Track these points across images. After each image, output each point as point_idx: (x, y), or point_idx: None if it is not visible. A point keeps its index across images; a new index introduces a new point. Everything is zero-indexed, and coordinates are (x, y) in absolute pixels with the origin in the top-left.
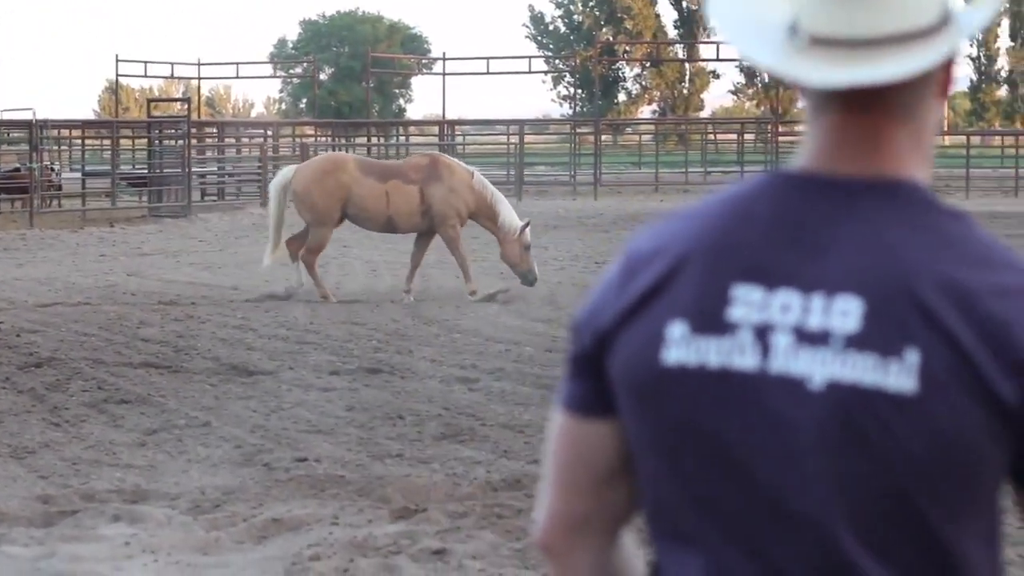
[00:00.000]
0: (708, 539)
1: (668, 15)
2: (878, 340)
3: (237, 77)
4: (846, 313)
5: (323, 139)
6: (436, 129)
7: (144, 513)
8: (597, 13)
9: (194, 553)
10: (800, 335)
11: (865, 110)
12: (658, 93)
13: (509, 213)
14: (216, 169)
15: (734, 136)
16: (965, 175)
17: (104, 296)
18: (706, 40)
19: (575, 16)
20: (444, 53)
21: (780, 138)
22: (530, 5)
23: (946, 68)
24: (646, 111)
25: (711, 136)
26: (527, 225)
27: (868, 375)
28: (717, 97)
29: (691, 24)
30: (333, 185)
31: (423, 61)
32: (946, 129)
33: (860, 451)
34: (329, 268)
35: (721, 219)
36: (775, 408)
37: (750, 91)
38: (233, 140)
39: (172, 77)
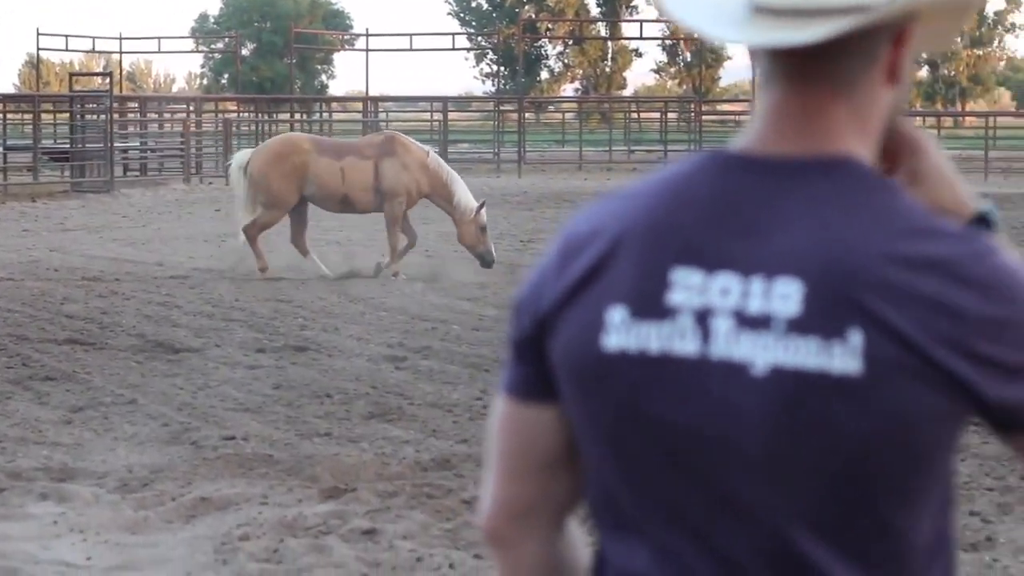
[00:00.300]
0: (654, 528)
1: None
2: (820, 323)
3: (159, 52)
4: (786, 296)
5: (246, 115)
6: (360, 106)
7: (72, 492)
8: None
9: (123, 532)
10: (741, 319)
11: (806, 82)
12: (580, 71)
13: (465, 194)
14: (139, 144)
15: (657, 115)
16: None
17: (27, 272)
18: (629, 18)
19: None
20: (367, 29)
21: (703, 117)
22: None
23: (893, 51)
24: (568, 89)
25: (634, 115)
26: (483, 206)
27: (811, 359)
28: (639, 75)
29: (613, 2)
30: (289, 168)
31: (346, 37)
32: None
33: (807, 437)
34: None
35: (659, 200)
36: (718, 394)
37: (672, 70)
38: (155, 115)
39: (94, 51)
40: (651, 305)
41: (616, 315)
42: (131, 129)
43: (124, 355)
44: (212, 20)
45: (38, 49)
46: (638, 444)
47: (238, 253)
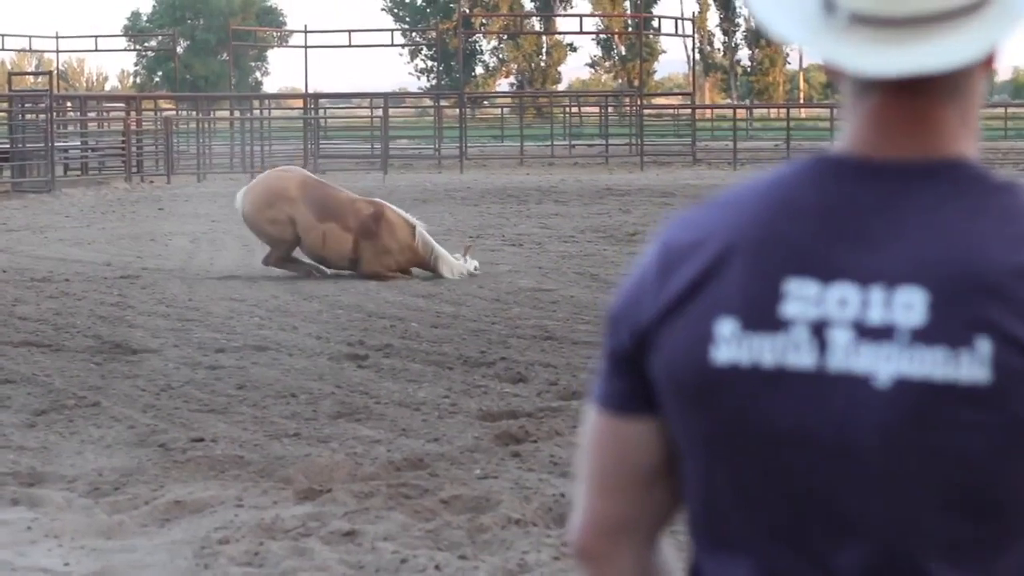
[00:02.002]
0: (759, 545)
1: None
2: (946, 332)
3: (96, 50)
4: (910, 306)
5: (183, 112)
6: (300, 103)
7: (43, 496)
8: None
9: (98, 537)
10: (860, 330)
11: (912, 91)
12: (515, 66)
13: (450, 269)
14: (79, 144)
15: (596, 109)
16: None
17: None
18: (563, 13)
19: None
20: (306, 26)
21: (644, 111)
22: None
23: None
24: (503, 84)
25: (573, 109)
26: (468, 249)
27: (939, 369)
28: (574, 69)
29: None
30: (277, 214)
31: (283, 34)
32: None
33: (932, 448)
34: (200, 244)
35: (764, 208)
36: (836, 407)
37: (607, 64)
38: (95, 114)
39: (30, 50)
40: (763, 317)
41: (726, 327)
42: (71, 128)
43: (82, 357)
44: (144, 18)
45: None
46: (747, 459)
47: (186, 252)
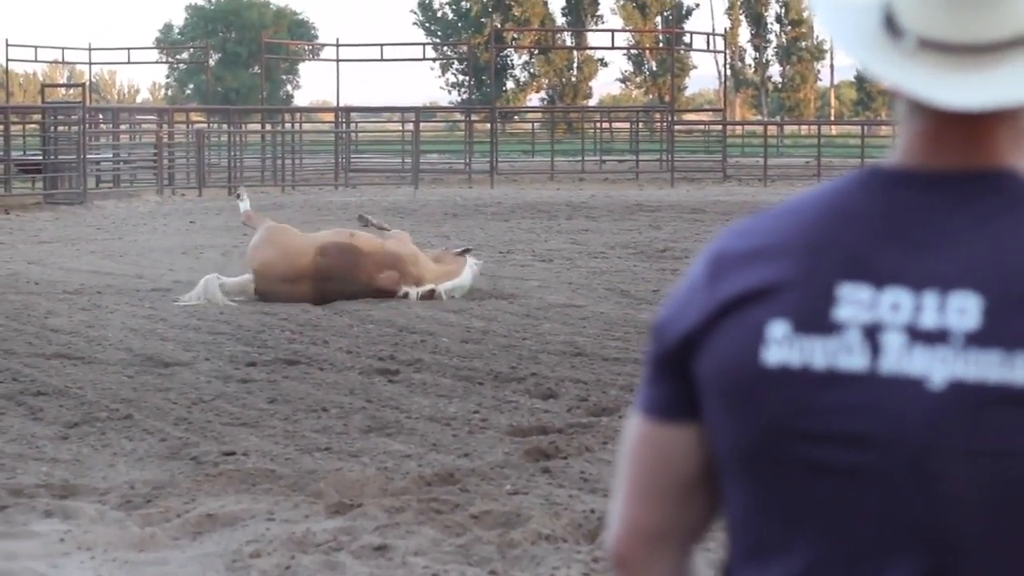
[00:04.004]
0: (801, 550)
1: (556, 2)
2: (1001, 335)
3: (128, 63)
4: (964, 310)
5: (215, 125)
6: (331, 117)
7: (75, 508)
8: (485, 0)
9: (130, 550)
10: (914, 334)
11: (970, 115)
12: (546, 81)
13: (459, 286)
14: (111, 156)
15: (626, 124)
16: (860, 165)
17: (7, 285)
18: (594, 28)
19: (463, 3)
20: (338, 39)
21: (675, 127)
22: None
23: None
24: (534, 99)
25: (603, 124)
26: (468, 252)
27: (994, 372)
28: (604, 85)
29: (579, 11)
30: (299, 291)
31: (314, 47)
32: (832, 119)
33: (987, 451)
34: (231, 257)
35: (818, 217)
36: (888, 410)
37: (638, 79)
38: (127, 126)
39: (63, 62)
40: (816, 320)
41: (778, 329)
42: (103, 140)
43: (114, 369)
44: (176, 30)
45: (7, 60)
46: (793, 462)
47: (217, 265)
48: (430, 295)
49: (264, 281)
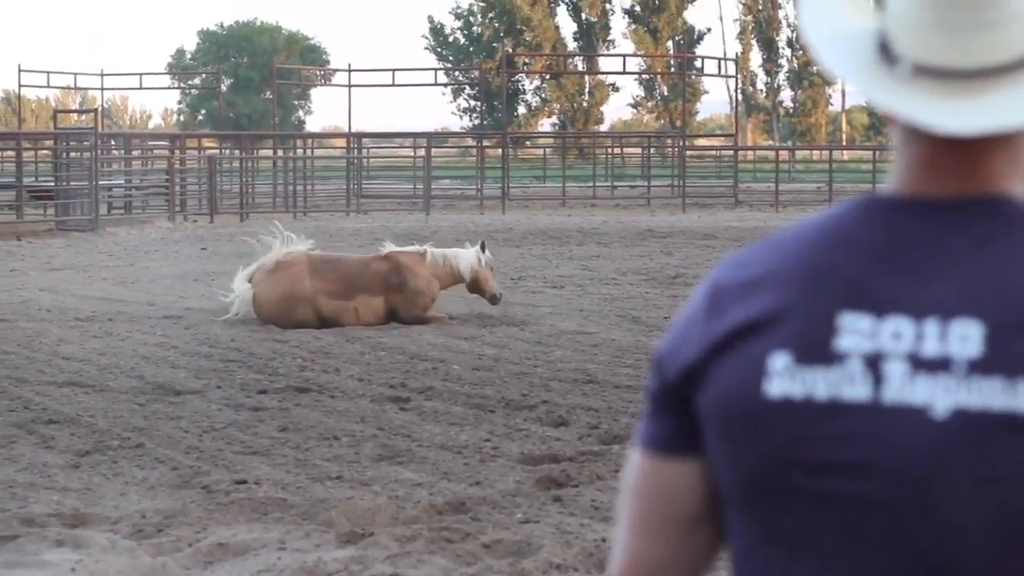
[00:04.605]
0: None
1: (567, 27)
2: (1003, 362)
3: (140, 88)
4: (966, 338)
5: (226, 151)
6: (343, 142)
7: (87, 538)
8: (496, 25)
9: None
10: (916, 363)
11: (965, 139)
12: (558, 106)
13: (466, 259)
14: (123, 182)
15: (638, 150)
16: (872, 190)
17: (19, 312)
18: (606, 53)
19: (475, 28)
20: (350, 65)
21: (686, 152)
22: (429, 16)
23: None
24: (545, 124)
25: (615, 150)
26: (483, 247)
27: (997, 399)
28: (616, 110)
29: (590, 36)
30: (303, 315)
31: (326, 72)
32: (844, 144)
33: (994, 480)
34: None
35: (816, 246)
36: (892, 439)
37: (649, 104)
38: (138, 152)
39: (75, 88)
40: (817, 350)
41: (779, 361)
42: (115, 166)
43: (125, 397)
44: (188, 56)
45: (19, 86)
46: (797, 492)
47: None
48: None
49: None
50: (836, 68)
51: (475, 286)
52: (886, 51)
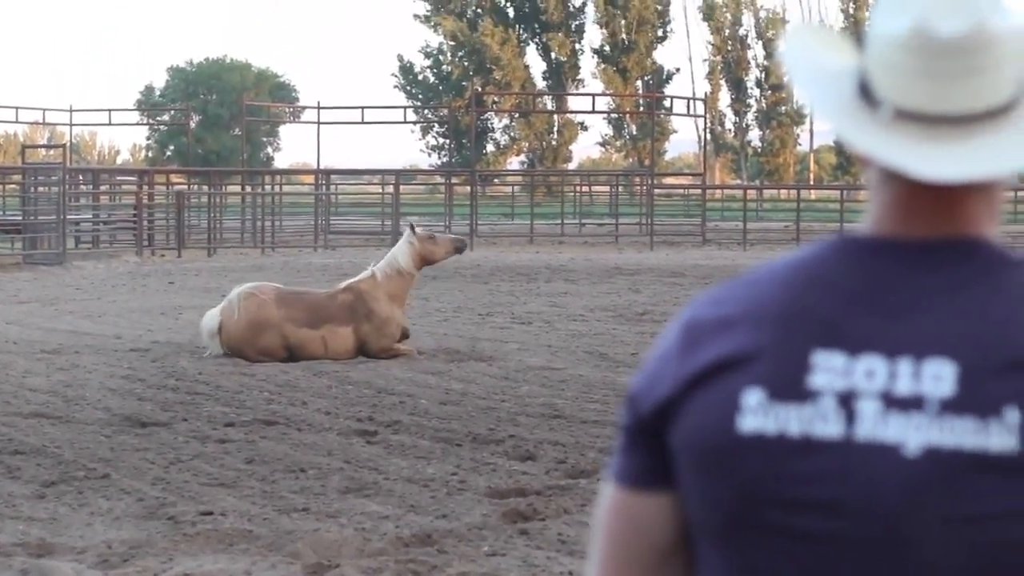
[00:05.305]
0: None
1: (537, 66)
2: (975, 402)
3: (109, 124)
4: (939, 378)
5: (195, 187)
6: (311, 179)
7: (52, 568)
8: (466, 63)
9: None
10: (889, 401)
11: (943, 184)
12: (526, 144)
13: (401, 254)
14: (91, 216)
15: (606, 188)
16: (840, 229)
17: None
18: (575, 92)
19: (444, 67)
20: (319, 102)
21: (654, 191)
22: (399, 55)
23: None
24: (514, 162)
25: (583, 188)
26: (411, 229)
27: (969, 438)
28: (584, 148)
29: (559, 75)
30: (269, 343)
31: (294, 110)
32: (812, 184)
33: (965, 518)
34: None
35: (790, 285)
36: (864, 476)
37: (618, 143)
38: (107, 187)
39: (44, 123)
40: (791, 388)
41: (752, 397)
42: (83, 201)
43: (92, 429)
44: (158, 92)
45: None
46: (769, 529)
47: (196, 326)
48: None
49: None
50: (817, 107)
51: (430, 262)
52: (866, 93)
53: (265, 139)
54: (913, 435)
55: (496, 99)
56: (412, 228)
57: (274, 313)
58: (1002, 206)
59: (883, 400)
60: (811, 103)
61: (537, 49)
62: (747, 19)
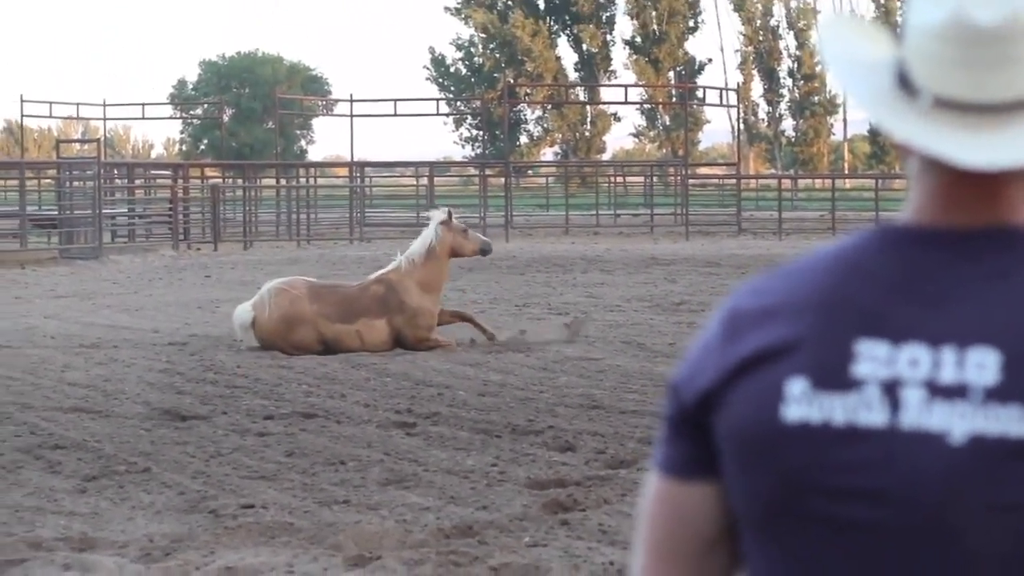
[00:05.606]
0: None
1: (568, 57)
2: (1020, 390)
3: (143, 118)
4: (983, 366)
5: (229, 180)
6: (345, 172)
7: (94, 562)
8: (497, 55)
9: None
10: (933, 389)
11: (983, 173)
12: (560, 135)
13: (423, 244)
14: (126, 210)
15: (640, 178)
16: (875, 219)
17: (24, 339)
18: (607, 83)
19: (476, 58)
20: (351, 95)
21: (689, 181)
22: (431, 47)
23: None
24: (548, 153)
25: (617, 179)
26: (448, 218)
27: (1014, 426)
28: (618, 139)
29: (591, 66)
30: (303, 338)
31: (328, 102)
32: (846, 173)
33: (1010, 506)
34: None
35: (832, 275)
36: (908, 464)
37: (651, 133)
38: (141, 181)
39: (77, 118)
40: (835, 377)
41: (796, 387)
42: (118, 195)
43: (132, 423)
44: (190, 86)
45: (22, 115)
46: (814, 518)
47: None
48: None
49: None
50: (856, 97)
51: (457, 254)
52: (905, 83)
53: (298, 132)
54: (958, 423)
55: (528, 91)
56: (450, 215)
57: (307, 308)
58: None
59: (927, 388)
60: (850, 94)
61: (568, 41)
62: (778, 9)
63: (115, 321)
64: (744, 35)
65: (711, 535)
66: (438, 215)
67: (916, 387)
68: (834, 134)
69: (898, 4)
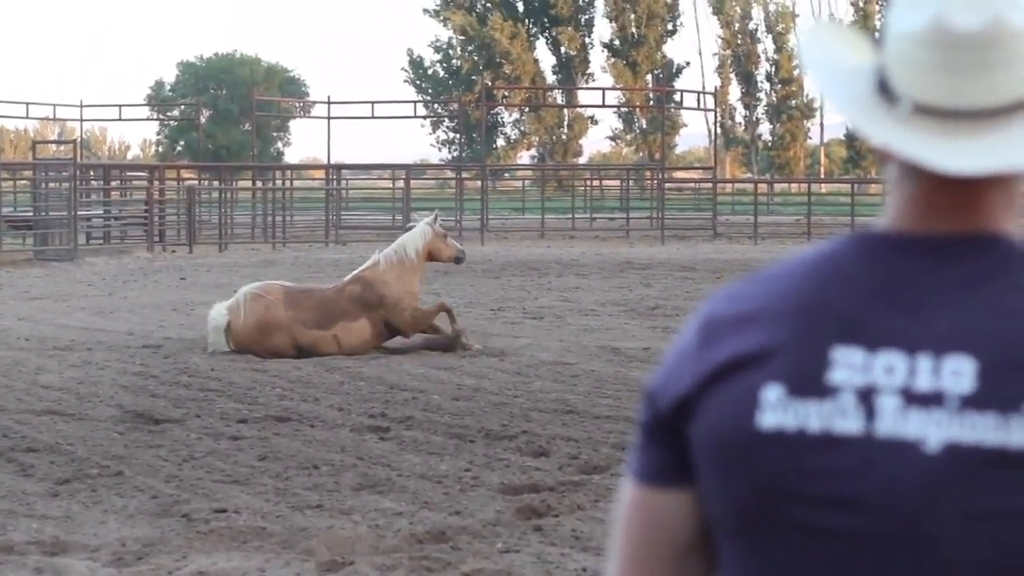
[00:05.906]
0: None
1: (546, 60)
2: (996, 398)
3: (119, 119)
4: (958, 373)
5: (205, 182)
6: (321, 174)
7: (66, 566)
8: (476, 58)
9: None
10: (908, 397)
11: (962, 178)
12: (537, 138)
13: (411, 242)
14: (102, 212)
15: (617, 182)
16: (851, 224)
17: None
18: (585, 86)
19: (454, 61)
20: (329, 97)
21: (665, 185)
22: (409, 49)
23: None
24: (524, 156)
25: (594, 182)
26: (436, 217)
27: (990, 434)
28: (595, 142)
29: (569, 69)
30: (279, 343)
31: (305, 104)
32: (822, 177)
33: (985, 514)
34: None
35: (809, 281)
36: (883, 472)
37: (628, 137)
38: (117, 183)
39: (54, 119)
40: (810, 384)
41: (772, 393)
42: (94, 197)
43: (105, 426)
44: (168, 87)
45: None
46: (789, 525)
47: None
48: None
49: None
50: (837, 102)
51: (434, 258)
52: (885, 88)
53: (275, 134)
54: (933, 431)
55: (506, 93)
56: (436, 217)
57: (282, 314)
58: (1020, 201)
59: (903, 396)
60: (830, 99)
61: (547, 43)
62: (757, 13)
63: (89, 323)
64: (722, 38)
65: (686, 542)
66: (427, 218)
67: (891, 394)
68: (811, 138)
69: (877, 8)
